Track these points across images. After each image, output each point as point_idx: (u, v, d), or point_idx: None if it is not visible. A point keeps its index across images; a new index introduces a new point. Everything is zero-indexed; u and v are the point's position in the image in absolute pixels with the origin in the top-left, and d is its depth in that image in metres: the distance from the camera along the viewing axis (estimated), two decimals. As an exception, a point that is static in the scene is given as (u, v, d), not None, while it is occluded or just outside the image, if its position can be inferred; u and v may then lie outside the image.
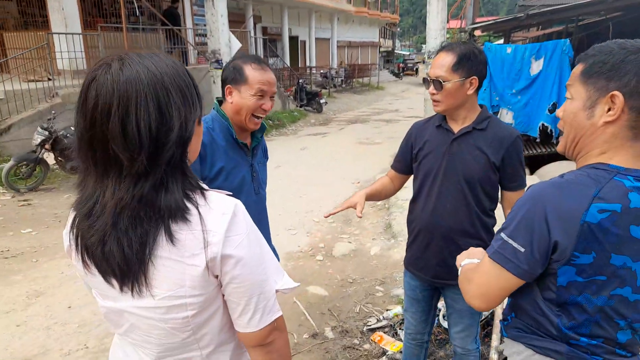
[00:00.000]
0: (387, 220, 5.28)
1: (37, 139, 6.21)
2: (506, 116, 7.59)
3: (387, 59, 39.93)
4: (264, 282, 0.96)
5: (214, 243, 0.88)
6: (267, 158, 2.07)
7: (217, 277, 0.92)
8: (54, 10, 9.27)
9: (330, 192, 6.42)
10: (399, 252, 4.35)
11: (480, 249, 1.31)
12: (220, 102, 1.85)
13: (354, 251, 4.51)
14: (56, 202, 5.97)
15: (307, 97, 15.15)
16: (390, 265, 4.16)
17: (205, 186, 0.95)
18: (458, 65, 1.76)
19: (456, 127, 1.87)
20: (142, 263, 0.87)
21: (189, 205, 0.89)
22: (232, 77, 1.76)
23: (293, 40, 22.75)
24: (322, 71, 21.71)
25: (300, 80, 15.80)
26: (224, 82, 1.79)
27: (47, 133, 6.19)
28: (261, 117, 1.81)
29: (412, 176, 2.07)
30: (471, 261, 1.25)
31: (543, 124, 7.22)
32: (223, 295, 0.96)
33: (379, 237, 4.85)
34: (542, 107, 7.25)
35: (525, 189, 1.82)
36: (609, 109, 1.00)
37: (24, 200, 5.99)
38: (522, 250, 1.00)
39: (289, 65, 19.46)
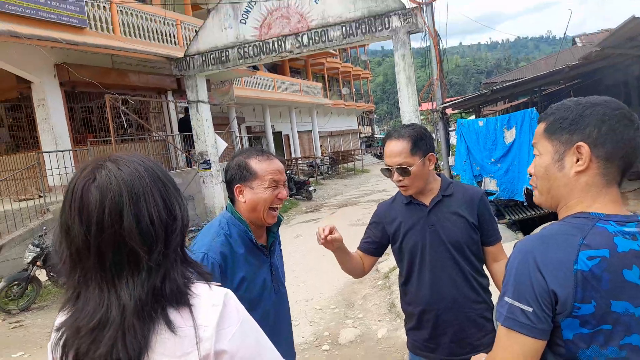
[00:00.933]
0: (389, 299, 5.17)
1: (29, 256, 6.14)
2: (490, 184, 7.80)
3: (368, 143, 41.49)
4: None
5: (206, 338, 0.84)
6: (280, 245, 1.97)
7: None
8: (44, 132, 9.65)
9: (328, 277, 6.32)
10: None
11: (482, 355, 1.27)
12: (232, 201, 1.73)
13: (361, 336, 4.36)
14: (49, 320, 5.75)
15: (295, 186, 15.45)
16: (399, 346, 4.01)
17: (191, 276, 0.93)
18: (415, 147, 1.83)
19: (427, 200, 1.91)
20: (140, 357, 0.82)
21: (189, 291, 0.87)
22: (239, 175, 1.67)
23: (277, 135, 23.72)
24: (307, 161, 22.35)
25: (288, 172, 16.21)
26: (230, 183, 1.70)
27: (38, 250, 6.15)
28: (278, 208, 1.72)
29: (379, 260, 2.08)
30: (479, 356, 1.22)
31: (527, 188, 7.42)
32: None
33: (384, 318, 4.71)
34: (522, 172, 7.50)
35: (504, 241, 1.87)
36: (577, 160, 1.04)
37: (15, 322, 5.76)
38: (530, 309, 0.97)
39: (279, 158, 20.05)
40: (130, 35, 11.24)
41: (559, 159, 1.08)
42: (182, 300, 0.86)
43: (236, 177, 1.68)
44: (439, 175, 1.99)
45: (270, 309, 1.71)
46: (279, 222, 1.81)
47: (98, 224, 0.82)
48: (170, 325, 0.83)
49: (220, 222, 1.71)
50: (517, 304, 0.99)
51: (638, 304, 0.97)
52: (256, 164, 1.68)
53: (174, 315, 0.84)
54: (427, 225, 1.89)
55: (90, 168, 0.87)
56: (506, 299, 1.01)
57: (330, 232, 1.81)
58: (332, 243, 1.82)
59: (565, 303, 0.96)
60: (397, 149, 1.85)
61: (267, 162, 1.69)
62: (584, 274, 0.95)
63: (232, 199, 1.73)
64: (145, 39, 11.69)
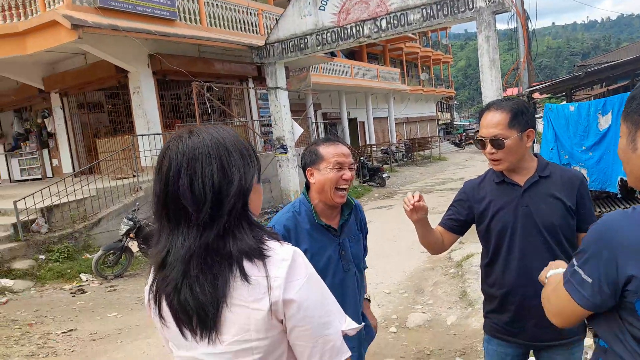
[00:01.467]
0: (461, 287, 5.04)
1: (123, 228, 6.80)
2: (572, 169, 7.24)
3: (447, 130, 40.08)
4: (328, 324, 0.98)
5: (276, 287, 0.94)
6: (366, 230, 2.12)
7: (281, 321, 0.96)
8: (139, 117, 10.50)
9: (399, 262, 6.29)
10: (478, 321, 4.10)
11: (562, 262, 1.32)
12: (308, 187, 1.96)
13: (429, 321, 4.31)
14: (139, 286, 6.34)
15: (369, 172, 15.42)
16: (469, 334, 3.92)
17: (265, 235, 1.02)
18: (514, 120, 1.75)
19: (521, 180, 1.81)
20: (217, 307, 0.94)
21: (262, 246, 0.97)
22: (310, 159, 1.91)
23: (352, 121, 23.72)
24: (382, 147, 22.15)
25: (362, 158, 16.20)
26: (304, 168, 1.94)
27: (131, 223, 6.77)
28: (346, 189, 1.89)
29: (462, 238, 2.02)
30: (556, 272, 1.25)
31: (622, 179, 6.78)
32: (288, 342, 0.99)
33: (454, 305, 4.62)
34: (617, 161, 6.86)
35: None
36: None
37: (110, 287, 6.42)
38: (590, 281, 1.01)
39: (349, 144, 20.12)
40: (215, 25, 11.80)
41: (632, 140, 1.06)
42: (255, 254, 0.96)
43: (308, 162, 1.92)
44: (535, 155, 1.89)
45: (337, 284, 1.85)
46: (350, 206, 1.98)
47: (164, 181, 0.98)
48: (245, 276, 0.94)
49: (294, 202, 1.98)
50: (580, 271, 1.03)
51: None
52: (323, 148, 1.90)
53: (249, 266, 0.95)
54: (520, 206, 1.80)
55: (173, 138, 1.03)
56: (574, 261, 1.06)
57: (420, 199, 1.80)
58: (418, 211, 1.80)
59: (637, 283, 0.94)
60: (494, 120, 1.77)
61: (333, 146, 1.90)
62: None
63: (307, 183, 1.96)
64: (229, 28, 12.21)
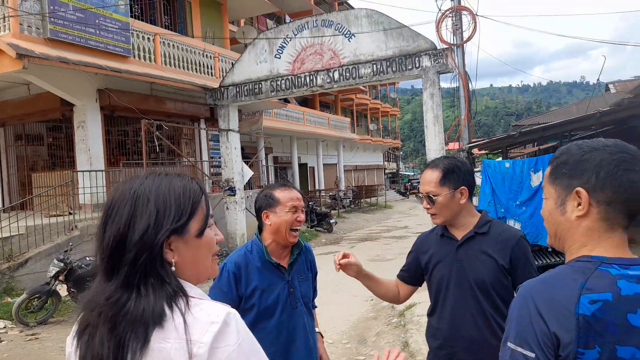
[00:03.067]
0: (403, 338, 5.06)
1: (52, 270, 6.31)
2: (514, 226, 7.64)
3: (393, 179, 41.35)
4: None
5: (199, 355, 0.84)
6: (315, 271, 2.24)
7: None
8: (81, 152, 10.08)
9: (343, 311, 6.25)
10: (419, 373, 4.11)
11: None
12: (260, 229, 2.09)
13: (372, 374, 4.27)
14: (64, 335, 5.85)
15: (317, 218, 15.48)
16: (410, 387, 3.90)
17: (196, 293, 0.94)
18: (444, 179, 1.86)
19: (459, 234, 1.90)
20: None
21: (169, 311, 0.87)
22: (266, 203, 2.03)
23: (302, 166, 23.99)
24: (330, 193, 22.42)
25: (310, 203, 16.29)
26: (258, 211, 2.06)
27: (62, 264, 6.32)
28: (298, 230, 2.06)
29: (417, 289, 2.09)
30: None
31: (552, 233, 7.23)
32: None
33: (396, 357, 4.61)
34: (548, 216, 7.33)
35: None
36: (578, 204, 1.04)
37: (31, 335, 5.88)
38: (533, 355, 0.95)
39: (298, 189, 20.22)
40: (170, 65, 11.79)
41: (561, 204, 1.09)
42: (157, 321, 0.86)
43: (263, 205, 2.05)
44: (480, 211, 1.97)
45: (285, 321, 2.00)
46: (300, 246, 2.14)
47: (100, 229, 0.96)
48: (145, 341, 0.85)
49: (247, 243, 2.13)
50: (519, 349, 0.96)
51: None
52: (279, 193, 2.05)
53: (155, 334, 0.86)
54: (455, 260, 1.87)
55: (123, 181, 1.00)
56: (509, 344, 0.99)
57: (344, 256, 1.92)
58: (350, 268, 1.92)
59: (568, 347, 0.93)
60: (428, 178, 1.91)
61: (288, 191, 2.06)
62: (586, 318, 0.93)
63: (259, 225, 2.09)
64: (184, 69, 12.23)
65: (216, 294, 1.93)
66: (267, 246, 2.05)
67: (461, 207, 1.89)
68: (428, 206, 1.90)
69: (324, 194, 21.73)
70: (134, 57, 10.72)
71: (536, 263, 7.60)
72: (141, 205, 0.92)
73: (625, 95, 7.95)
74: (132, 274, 0.89)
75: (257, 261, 2.02)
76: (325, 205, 20.01)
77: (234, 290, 1.97)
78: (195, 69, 12.68)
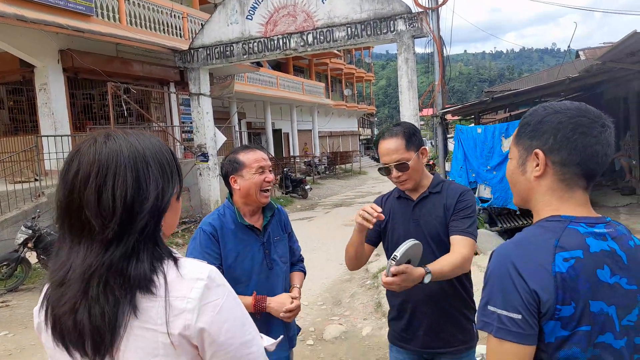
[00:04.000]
0: (376, 299, 5.21)
1: (20, 237, 6.16)
2: (484, 191, 7.84)
3: (367, 146, 41.52)
4: (250, 343, 0.94)
5: (188, 310, 0.86)
6: (289, 232, 2.22)
7: (196, 347, 0.89)
8: (44, 116, 9.67)
9: (318, 274, 6.35)
10: (391, 331, 4.26)
11: None
12: (231, 194, 2.08)
13: (345, 333, 4.39)
14: (34, 302, 5.74)
15: (292, 184, 15.49)
16: (383, 345, 4.04)
17: (178, 255, 0.95)
18: (409, 143, 1.91)
19: (415, 195, 1.99)
20: (114, 333, 0.85)
21: (154, 276, 0.88)
22: (232, 168, 2.01)
23: (276, 132, 23.74)
24: (305, 160, 22.39)
25: (285, 169, 16.24)
26: (226, 177, 2.03)
27: (30, 231, 6.16)
28: (269, 190, 2.05)
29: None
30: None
31: (520, 197, 7.44)
32: None
33: (370, 317, 4.75)
34: (517, 180, 7.53)
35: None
36: (537, 165, 1.08)
37: (1, 302, 5.78)
38: (520, 317, 0.96)
39: (273, 155, 20.09)
40: (136, 25, 11.28)
41: (522, 164, 1.12)
42: (144, 285, 0.87)
43: (229, 171, 2.02)
44: (432, 173, 2.05)
45: (263, 282, 2.01)
46: (272, 208, 2.13)
47: (69, 188, 0.89)
48: (135, 308, 0.86)
49: (219, 208, 2.12)
50: (505, 313, 0.97)
51: (611, 303, 0.99)
52: (243, 155, 2.02)
53: (141, 297, 0.86)
54: (412, 219, 1.96)
55: (86, 140, 0.93)
56: (492, 308, 0.99)
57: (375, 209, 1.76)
58: (369, 223, 1.77)
59: (548, 305, 0.96)
60: (393, 146, 1.91)
61: (252, 152, 2.03)
62: (562, 276, 0.96)
63: (230, 190, 2.07)
64: (151, 29, 11.73)
65: (197, 256, 1.89)
66: (238, 209, 2.04)
67: (423, 168, 1.98)
68: (399, 174, 1.91)
69: (298, 161, 21.69)
70: (97, 16, 10.19)
71: (506, 226, 7.87)
72: (143, 169, 0.90)
73: (594, 61, 8.09)
74: (139, 241, 0.88)
75: (230, 224, 2.01)
76: (300, 172, 20.00)
77: (216, 249, 1.96)
78: (163, 29, 12.18)
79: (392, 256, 1.59)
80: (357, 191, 17.88)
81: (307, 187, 15.64)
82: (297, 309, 1.99)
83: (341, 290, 5.70)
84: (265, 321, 1.96)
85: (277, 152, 22.61)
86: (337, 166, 24.31)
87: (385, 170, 1.96)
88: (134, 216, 0.88)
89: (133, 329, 0.86)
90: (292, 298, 1.99)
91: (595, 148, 1.04)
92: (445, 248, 1.90)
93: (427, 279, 1.66)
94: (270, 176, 2.04)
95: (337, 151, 27.70)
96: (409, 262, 1.63)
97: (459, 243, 1.83)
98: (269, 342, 1.02)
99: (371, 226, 1.79)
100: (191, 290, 0.88)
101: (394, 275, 1.58)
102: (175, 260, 0.92)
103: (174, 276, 0.89)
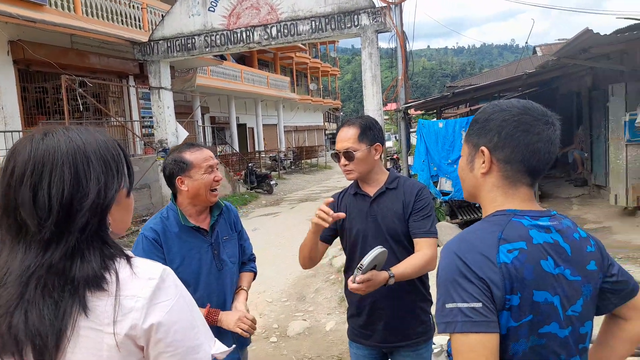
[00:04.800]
0: (340, 293, 5.22)
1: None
2: (445, 184, 8.00)
3: (333, 140, 41.60)
4: (197, 348, 0.91)
5: (137, 309, 0.85)
6: (239, 230, 2.15)
7: (142, 348, 0.87)
8: (-6, 110, 9.18)
9: (283, 270, 6.32)
10: (355, 325, 4.28)
11: None
12: (175, 195, 1.99)
13: (309, 329, 4.39)
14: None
15: (257, 179, 15.34)
16: (346, 339, 4.03)
17: (130, 253, 0.93)
18: (363, 135, 1.94)
19: (371, 191, 2.00)
20: (59, 336, 0.82)
21: (106, 274, 0.86)
22: (178, 168, 1.91)
23: (241, 127, 23.45)
24: (271, 155, 22.24)
25: (250, 164, 16.08)
26: (171, 178, 1.94)
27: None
28: (217, 189, 1.99)
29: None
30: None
31: (480, 190, 7.64)
32: None
33: (333, 311, 4.76)
34: (477, 174, 7.72)
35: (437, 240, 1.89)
36: (483, 162, 1.10)
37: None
38: (480, 304, 0.95)
39: (238, 150, 19.84)
40: (92, 15, 10.83)
41: (470, 161, 1.14)
42: (94, 284, 0.85)
43: (175, 171, 1.92)
44: (388, 169, 2.07)
45: (213, 284, 1.95)
46: (220, 207, 2.06)
47: (5, 188, 0.86)
48: (84, 306, 0.83)
49: (162, 210, 2.03)
50: (465, 305, 0.96)
51: (555, 293, 1.01)
52: (190, 155, 1.93)
53: (90, 296, 0.84)
54: (370, 215, 1.97)
55: (23, 138, 0.90)
56: (450, 305, 0.98)
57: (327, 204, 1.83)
58: (325, 222, 1.78)
59: (498, 295, 0.97)
60: (346, 135, 1.95)
61: (199, 152, 1.95)
62: (507, 266, 0.97)
63: (174, 191, 1.99)
64: (108, 20, 11.29)
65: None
66: (183, 210, 1.96)
67: (375, 163, 1.99)
68: (347, 162, 1.95)
69: (264, 156, 21.51)
70: (51, 5, 9.72)
71: (465, 218, 8.05)
72: (82, 164, 0.87)
73: (550, 57, 8.37)
74: (81, 240, 0.85)
75: (174, 227, 1.93)
76: (266, 167, 19.86)
77: (161, 255, 1.89)
78: (122, 20, 11.76)
79: (358, 265, 1.65)
80: (322, 186, 17.91)
81: (273, 182, 15.54)
82: (246, 334, 1.93)
83: (305, 285, 5.70)
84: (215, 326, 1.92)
85: (241, 147, 22.35)
86: (302, 161, 24.28)
87: (336, 157, 2.00)
88: (73, 214, 0.85)
89: (80, 329, 0.83)
90: (242, 321, 1.91)
91: (537, 145, 1.06)
92: (402, 244, 1.94)
93: (390, 282, 1.74)
94: (219, 175, 1.99)
95: (302, 146, 27.66)
96: (374, 267, 1.69)
97: (423, 244, 1.88)
98: (220, 349, 0.99)
99: (327, 225, 1.80)
100: (142, 289, 0.86)
101: (359, 282, 1.65)
102: (129, 259, 0.90)
103: (126, 274, 0.87)
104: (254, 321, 1.97)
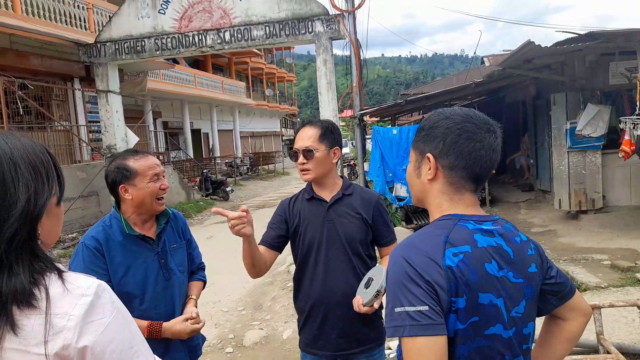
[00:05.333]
0: (298, 301, 5.18)
1: None
2: (400, 190, 8.13)
3: (290, 146, 41.51)
4: None
5: (69, 328, 0.80)
6: (187, 238, 2.07)
7: None
8: None
9: (239, 279, 6.17)
10: (312, 333, 4.24)
11: None
12: (118, 203, 1.90)
13: (266, 338, 4.30)
14: None
15: (212, 186, 15.03)
16: (303, 347, 4.01)
17: (62, 267, 0.88)
18: (323, 136, 1.94)
19: (327, 196, 1.98)
20: None
21: (35, 289, 0.81)
22: (121, 176, 1.82)
23: (195, 132, 22.96)
24: (227, 161, 21.88)
25: (205, 171, 15.73)
26: (113, 185, 1.84)
27: None
28: (164, 198, 1.92)
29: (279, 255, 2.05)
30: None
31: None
32: None
33: (291, 319, 4.69)
34: (430, 179, 7.90)
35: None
36: (429, 168, 1.12)
37: None
38: (426, 307, 0.96)
39: (192, 156, 19.38)
40: (33, 14, 10.27)
41: (417, 167, 1.16)
42: (23, 300, 0.79)
43: (118, 179, 1.83)
44: (342, 177, 2.07)
45: (160, 293, 1.87)
46: (167, 215, 1.98)
47: None
48: (12, 324, 0.78)
49: (104, 218, 1.92)
50: (412, 308, 0.96)
51: (499, 295, 1.03)
52: (134, 162, 1.84)
53: (25, 309, 0.79)
54: (326, 220, 1.94)
55: None
56: (399, 309, 0.98)
57: (244, 211, 1.70)
58: (246, 227, 1.69)
59: (443, 298, 0.98)
60: (307, 134, 1.94)
61: (144, 159, 1.86)
62: (452, 269, 0.99)
63: (116, 199, 1.90)
64: (50, 20, 10.74)
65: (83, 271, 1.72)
66: (127, 219, 1.88)
67: (332, 167, 1.98)
68: (304, 161, 1.92)
69: (219, 161, 21.12)
70: (-14, 2, 9.13)
71: (420, 223, 8.21)
72: (10, 170, 0.81)
73: (496, 67, 8.73)
74: (9, 252, 0.80)
75: (118, 235, 1.84)
76: (222, 173, 19.51)
77: (102, 265, 1.78)
78: (66, 21, 11.23)
79: (378, 288, 1.66)
80: (280, 192, 17.79)
81: (229, 188, 15.27)
82: (197, 329, 1.88)
83: (262, 294, 5.60)
84: (163, 338, 1.84)
85: (196, 153, 21.85)
86: (259, 167, 24.05)
87: (295, 155, 1.97)
88: (0, 224, 0.78)
89: (6, 351, 0.77)
90: (188, 319, 1.86)
91: (479, 153, 1.09)
92: (357, 251, 1.94)
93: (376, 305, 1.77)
94: (165, 182, 1.92)
95: (259, 152, 27.41)
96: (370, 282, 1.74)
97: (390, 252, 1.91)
98: None
99: (249, 230, 1.70)
100: (74, 307, 0.81)
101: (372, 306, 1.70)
102: (60, 273, 0.85)
103: (57, 291, 0.82)
104: (197, 328, 1.88)
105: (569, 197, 7.34)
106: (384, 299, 1.92)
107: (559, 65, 7.68)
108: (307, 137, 1.93)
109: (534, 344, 1.19)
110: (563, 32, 6.56)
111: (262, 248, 1.97)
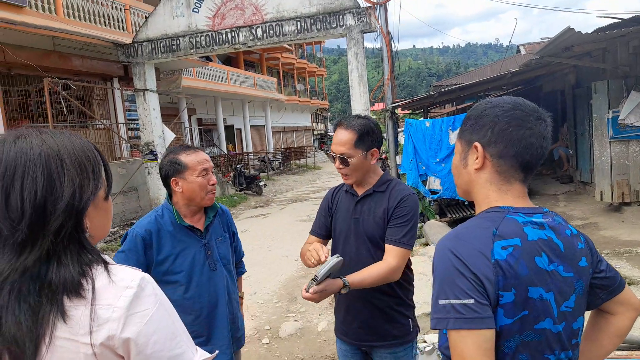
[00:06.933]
0: (332, 294, 5.23)
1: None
2: (434, 183, 8.05)
3: (321, 140, 41.65)
4: (181, 357, 0.90)
5: (113, 319, 0.83)
6: (232, 232, 2.20)
7: (122, 357, 0.86)
8: (-26, 114, 8.99)
9: (273, 271, 6.30)
10: (347, 325, 4.28)
11: None
12: (171, 195, 2.02)
13: (301, 330, 4.37)
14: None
15: (246, 181, 15.27)
16: (338, 339, 4.06)
17: (109, 259, 0.92)
18: (359, 141, 1.88)
19: (360, 191, 1.99)
20: (37, 344, 0.80)
21: (83, 280, 0.85)
22: (173, 169, 1.94)
23: (229, 128, 23.34)
24: (259, 156, 22.16)
25: (238, 166, 16.00)
26: (166, 179, 1.97)
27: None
28: (213, 192, 2.01)
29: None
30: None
31: (468, 188, 7.71)
32: None
33: (325, 312, 4.75)
34: (464, 172, 7.78)
35: (407, 248, 1.85)
36: (476, 158, 1.10)
37: None
38: (472, 301, 0.95)
39: (225, 152, 19.73)
40: (74, 17, 10.67)
41: (464, 157, 1.15)
42: (73, 290, 0.83)
43: (170, 172, 1.95)
44: (383, 169, 2.08)
45: (204, 284, 1.97)
46: (215, 209, 2.09)
47: None
48: (62, 312, 0.82)
49: (157, 208, 2.05)
50: (458, 301, 0.96)
51: (549, 289, 1.02)
52: (185, 157, 1.95)
53: (74, 298, 0.83)
54: (353, 215, 1.97)
55: None
56: (443, 301, 0.98)
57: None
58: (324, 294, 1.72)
59: (491, 292, 0.97)
60: (343, 139, 1.89)
61: (195, 154, 1.97)
62: (500, 263, 0.98)
63: (169, 192, 2.02)
64: (90, 22, 11.14)
65: (120, 259, 1.85)
66: (178, 210, 1.99)
67: (370, 168, 1.96)
68: (341, 167, 1.92)
69: (252, 157, 21.42)
70: (31, 7, 9.55)
71: (454, 216, 8.10)
72: (56, 167, 0.85)
73: (533, 56, 8.47)
74: (57, 243, 0.83)
75: (169, 226, 1.96)
76: (254, 168, 19.78)
77: (141, 256, 1.89)
78: (105, 22, 11.61)
79: (313, 276, 1.67)
80: (312, 186, 17.90)
81: (262, 183, 15.48)
82: None
83: (297, 286, 5.68)
84: (207, 324, 1.95)
85: (229, 149, 22.23)
86: (291, 162, 24.23)
87: (332, 158, 1.99)
88: (46, 217, 0.83)
89: (56, 339, 0.81)
90: None
91: (529, 140, 1.07)
92: (381, 248, 1.90)
93: (344, 291, 1.75)
94: (214, 178, 2.00)
95: (291, 147, 27.61)
96: (329, 275, 1.70)
97: (389, 253, 1.85)
98: (203, 356, 0.97)
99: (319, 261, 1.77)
100: (119, 298, 0.84)
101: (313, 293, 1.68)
102: (106, 265, 0.88)
103: (103, 282, 0.85)
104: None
105: (611, 188, 7.08)
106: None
107: (600, 52, 7.39)
108: (343, 142, 1.88)
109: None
110: (605, 17, 6.30)
111: (312, 238, 2.08)
